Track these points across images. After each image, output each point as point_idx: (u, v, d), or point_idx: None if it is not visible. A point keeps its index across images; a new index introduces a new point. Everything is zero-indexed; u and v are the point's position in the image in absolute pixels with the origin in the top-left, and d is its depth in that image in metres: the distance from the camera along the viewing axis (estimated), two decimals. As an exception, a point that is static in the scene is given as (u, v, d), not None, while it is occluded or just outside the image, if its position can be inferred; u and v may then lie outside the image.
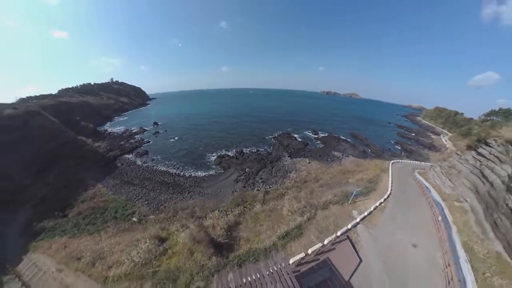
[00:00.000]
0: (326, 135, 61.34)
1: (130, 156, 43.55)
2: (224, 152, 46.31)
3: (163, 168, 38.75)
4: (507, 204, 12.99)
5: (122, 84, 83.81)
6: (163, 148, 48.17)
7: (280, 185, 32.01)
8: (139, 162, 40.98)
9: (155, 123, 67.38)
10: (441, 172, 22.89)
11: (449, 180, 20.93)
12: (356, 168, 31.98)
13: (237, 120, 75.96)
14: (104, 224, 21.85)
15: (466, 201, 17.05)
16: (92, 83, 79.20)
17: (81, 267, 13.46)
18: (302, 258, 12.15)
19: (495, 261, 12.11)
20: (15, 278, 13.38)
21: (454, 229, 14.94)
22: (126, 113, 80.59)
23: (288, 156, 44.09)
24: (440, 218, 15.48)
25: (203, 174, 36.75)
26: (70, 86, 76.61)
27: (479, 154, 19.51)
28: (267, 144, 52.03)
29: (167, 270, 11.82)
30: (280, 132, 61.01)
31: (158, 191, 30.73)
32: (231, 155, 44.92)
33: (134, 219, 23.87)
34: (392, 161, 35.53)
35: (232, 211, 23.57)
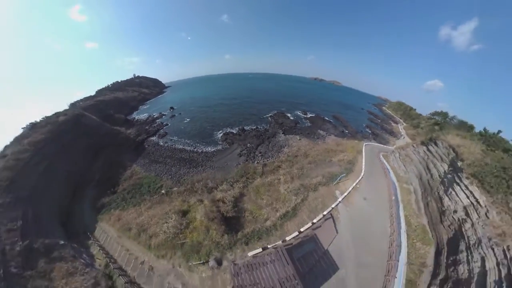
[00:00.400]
0: (314, 115, 61.04)
1: (154, 138, 44.85)
2: (228, 129, 47.17)
3: (180, 146, 40.69)
4: (438, 192, 14.71)
5: (143, 77, 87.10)
6: (179, 129, 49.07)
7: (275, 158, 33.92)
8: (161, 143, 42.68)
9: (171, 108, 67.43)
10: (399, 157, 24.21)
11: (403, 165, 22.40)
12: (337, 147, 33.04)
13: (238, 102, 73.13)
14: (142, 197, 25.20)
15: (411, 184, 18.94)
16: (120, 80, 79.75)
17: (131, 236, 16.92)
18: (296, 236, 14.01)
19: (421, 231, 14.56)
20: (95, 242, 17.25)
21: (401, 206, 17.17)
22: (147, 102, 79.43)
23: (282, 133, 44.93)
24: (393, 198, 17.65)
25: (212, 149, 38.79)
26: (104, 86, 77.22)
27: (429, 150, 20.37)
28: (265, 122, 52.16)
29: (191, 243, 14.90)
30: (276, 111, 60.20)
31: (178, 166, 33.37)
32: (235, 132, 45.94)
33: (162, 191, 27.00)
34: (365, 143, 36.31)
35: (237, 183, 26.37)
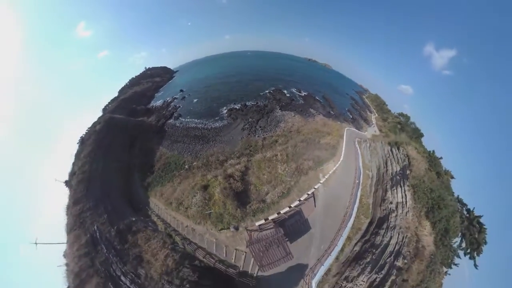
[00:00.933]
0: (307, 93, 56.93)
1: (171, 121, 45.33)
2: (232, 106, 45.97)
3: (193, 125, 41.62)
4: (386, 185, 17.54)
5: (153, 68, 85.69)
6: (190, 110, 48.75)
7: (273, 132, 35.19)
8: (177, 124, 43.40)
9: (181, 90, 64.85)
10: (368, 148, 25.29)
11: (370, 155, 23.99)
12: (324, 128, 33.37)
13: (239, 79, 67.14)
14: (172, 173, 29.40)
15: (371, 171, 21.49)
16: (134, 76, 77.67)
17: (173, 208, 22.12)
18: (288, 210, 17.77)
19: (366, 208, 18.72)
20: (152, 212, 22.75)
21: (360, 187, 20.66)
22: (161, 89, 77.68)
23: (279, 109, 43.64)
24: (357, 181, 20.85)
25: (219, 125, 39.88)
26: (123, 84, 76.99)
27: (391, 151, 21.29)
28: (264, 97, 49.61)
29: (215, 214, 19.77)
30: (274, 88, 55.83)
31: (193, 143, 35.92)
32: (238, 108, 44.94)
33: (186, 166, 30.83)
34: (346, 128, 36.36)
35: (242, 156, 28.91)
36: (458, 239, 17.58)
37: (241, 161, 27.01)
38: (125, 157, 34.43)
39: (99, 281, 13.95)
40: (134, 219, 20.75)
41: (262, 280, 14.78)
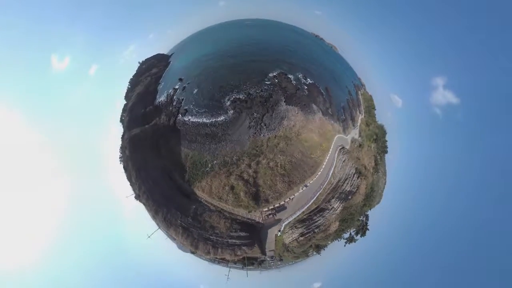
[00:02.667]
0: (312, 82, 52.02)
1: (179, 117, 46.36)
2: (235, 95, 45.65)
3: (200, 120, 44.65)
4: (334, 195, 30.64)
5: (146, 60, 77.95)
6: (192, 102, 48.08)
7: (276, 131, 41.47)
8: (186, 119, 45.34)
9: (179, 79, 57.08)
10: (342, 162, 34.22)
11: (340, 168, 33.78)
12: (320, 137, 39.11)
13: (239, 58, 59.03)
14: (201, 171, 39.51)
15: (336, 178, 33.02)
16: (132, 75, 71.92)
17: (216, 200, 35.34)
18: (279, 204, 32.62)
19: (318, 201, 33.34)
20: (201, 199, 36.52)
21: (321, 190, 33.35)
22: (160, 79, 68.46)
23: (284, 102, 44.66)
24: (321, 186, 33.21)
25: (225, 119, 43.23)
26: (126, 88, 69.00)
27: (354, 175, 31.57)
28: (269, 84, 47.42)
29: (244, 205, 33.31)
30: (279, 71, 50.49)
31: (208, 143, 41.87)
32: (241, 97, 45.24)
33: (209, 165, 40.73)
34: (336, 136, 41.97)
35: (252, 158, 38.62)
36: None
37: (252, 165, 37.04)
38: (159, 163, 41.95)
39: (203, 242, 30.30)
40: (194, 206, 34.93)
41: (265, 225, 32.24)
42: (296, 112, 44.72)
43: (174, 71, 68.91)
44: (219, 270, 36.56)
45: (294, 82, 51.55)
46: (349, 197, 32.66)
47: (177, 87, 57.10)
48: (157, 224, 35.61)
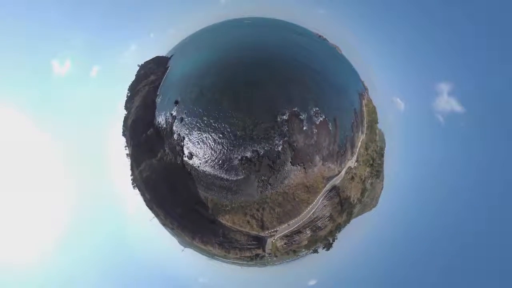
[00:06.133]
0: (322, 119, 49.56)
1: (186, 159, 50.90)
2: (242, 153, 47.87)
3: (212, 172, 51.35)
4: (307, 230, 51.98)
5: (146, 64, 66.35)
6: (198, 148, 50.38)
7: (278, 189, 51.73)
8: (195, 165, 51.01)
9: (176, 102, 53.10)
10: (322, 207, 49.57)
11: (320, 211, 50.56)
12: (309, 194, 50.02)
13: (242, 81, 53.15)
14: (222, 209, 55.96)
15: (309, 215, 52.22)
16: (131, 80, 65.20)
17: (238, 228, 56.82)
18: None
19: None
20: (225, 225, 57.85)
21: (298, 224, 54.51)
22: (158, 90, 65.87)
23: (290, 162, 48.30)
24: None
25: (237, 178, 51.28)
26: (125, 95, 70.68)
27: (328, 220, 48.32)
28: (278, 135, 47.81)
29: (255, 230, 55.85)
30: (290, 110, 47.85)
31: (224, 193, 53.08)
32: (250, 156, 48.34)
33: (229, 206, 56.30)
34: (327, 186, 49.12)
35: (260, 205, 54.50)
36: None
37: (259, 209, 54.04)
38: (180, 200, 54.88)
39: (232, 249, 57.16)
40: (221, 229, 57.37)
41: (266, 238, 59.75)
42: (299, 170, 51.07)
43: (171, 82, 62.95)
44: (216, 264, 61.73)
45: (305, 125, 50.42)
46: (317, 231, 54.70)
47: (174, 113, 54.26)
48: (195, 245, 59.82)
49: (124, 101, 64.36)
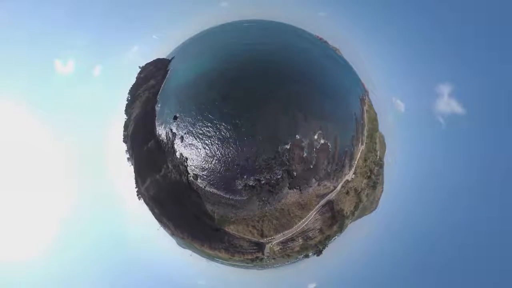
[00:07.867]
0: (324, 142, 52.20)
1: (192, 180, 56.19)
2: (244, 180, 53.58)
3: (218, 193, 57.19)
4: (299, 238, 60.68)
5: (146, 66, 64.39)
6: (201, 168, 54.74)
7: (273, 207, 58.28)
8: (201, 186, 56.41)
9: (175, 117, 55.52)
10: (316, 219, 57.12)
11: (311, 224, 58.55)
12: (302, 211, 56.95)
13: (243, 98, 52.87)
14: (227, 221, 63.56)
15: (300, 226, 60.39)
16: (130, 85, 71.24)
17: (241, 235, 65.43)
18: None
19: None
20: (229, 233, 66.35)
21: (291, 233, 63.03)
22: (158, 97, 68.72)
23: (288, 186, 53.59)
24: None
25: (241, 198, 57.53)
26: (125, 99, 73.63)
27: (318, 231, 56.32)
28: (279, 166, 51.25)
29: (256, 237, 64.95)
30: (293, 139, 51.24)
31: (229, 208, 60.48)
32: (252, 184, 53.73)
33: (233, 218, 64.11)
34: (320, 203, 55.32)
35: (260, 219, 61.92)
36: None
37: (259, 221, 62.07)
38: (187, 212, 62.05)
39: (237, 253, 66.95)
40: (227, 236, 66.29)
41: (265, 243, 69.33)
42: (295, 192, 56.76)
43: (170, 89, 63.02)
44: (216, 266, 68.13)
45: (306, 152, 53.87)
46: (308, 240, 63.54)
47: (174, 129, 56.91)
48: (203, 251, 68.91)
49: (125, 105, 64.82)
